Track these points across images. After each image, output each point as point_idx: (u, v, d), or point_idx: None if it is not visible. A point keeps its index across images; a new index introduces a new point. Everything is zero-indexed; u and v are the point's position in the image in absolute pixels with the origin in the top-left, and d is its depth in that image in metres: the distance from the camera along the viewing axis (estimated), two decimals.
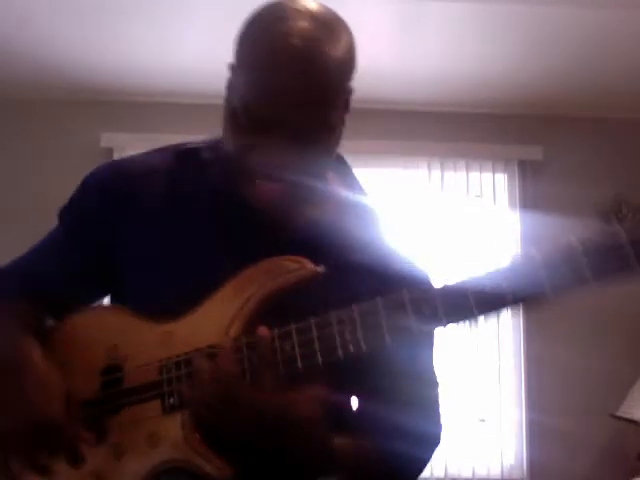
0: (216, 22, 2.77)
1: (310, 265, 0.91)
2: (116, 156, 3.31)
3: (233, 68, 0.97)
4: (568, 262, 0.80)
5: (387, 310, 0.86)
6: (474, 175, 3.50)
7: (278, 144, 0.90)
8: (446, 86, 3.28)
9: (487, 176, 3.51)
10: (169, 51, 3.00)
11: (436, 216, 3.40)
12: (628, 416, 2.91)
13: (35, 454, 0.92)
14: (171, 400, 0.91)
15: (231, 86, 0.97)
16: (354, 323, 0.86)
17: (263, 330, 0.87)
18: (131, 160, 1.12)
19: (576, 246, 0.81)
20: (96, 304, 1.11)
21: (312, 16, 0.91)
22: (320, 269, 0.91)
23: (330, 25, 0.93)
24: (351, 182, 1.14)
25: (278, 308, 0.92)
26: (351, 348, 0.86)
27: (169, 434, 0.90)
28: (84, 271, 1.06)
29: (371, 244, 1.06)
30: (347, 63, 0.95)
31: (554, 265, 0.81)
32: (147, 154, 1.12)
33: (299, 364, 0.87)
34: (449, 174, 3.48)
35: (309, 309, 0.88)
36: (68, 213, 1.11)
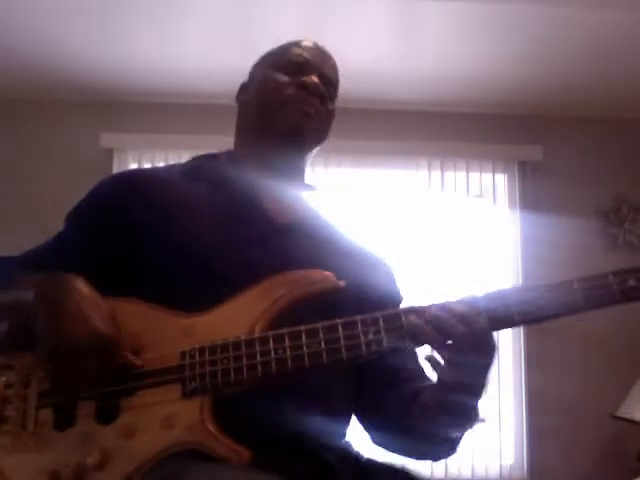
0: (216, 23, 2.77)
1: (333, 279, 0.99)
2: (116, 157, 3.31)
3: (251, 76, 1.26)
4: (564, 286, 0.95)
5: (407, 316, 0.94)
6: (474, 175, 3.50)
7: (314, 81, 1.17)
8: (446, 86, 3.28)
9: (487, 176, 3.51)
10: (169, 51, 3.00)
11: (436, 216, 3.40)
12: (628, 416, 2.91)
13: (91, 372, 0.92)
14: (193, 384, 0.92)
15: (253, 80, 1.25)
16: (378, 325, 0.94)
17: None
18: (139, 168, 1.22)
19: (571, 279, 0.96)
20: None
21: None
22: (342, 283, 0.98)
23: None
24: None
25: (299, 314, 0.97)
26: (374, 347, 0.93)
27: (186, 417, 0.91)
28: (95, 262, 1.07)
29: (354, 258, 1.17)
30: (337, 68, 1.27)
31: (553, 290, 0.95)
32: (157, 167, 1.23)
33: (324, 359, 0.92)
34: (449, 174, 3.48)
35: (327, 315, 0.95)
36: (79, 212, 1.13)
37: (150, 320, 0.99)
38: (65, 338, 0.91)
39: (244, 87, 1.27)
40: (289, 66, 1.19)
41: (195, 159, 1.23)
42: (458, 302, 0.95)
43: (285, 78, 1.18)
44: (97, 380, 0.93)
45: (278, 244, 1.08)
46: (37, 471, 0.93)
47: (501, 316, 0.93)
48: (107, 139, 3.31)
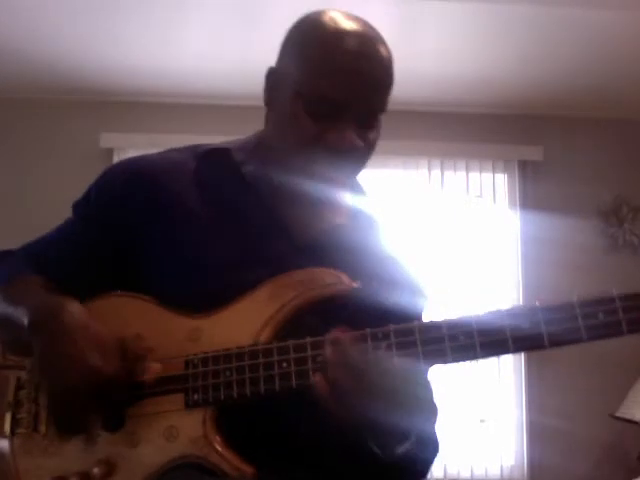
0: (216, 22, 2.77)
1: (347, 280, 0.92)
2: (116, 157, 3.32)
3: (281, 70, 1.03)
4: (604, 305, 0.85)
5: (423, 333, 0.86)
6: (474, 175, 3.50)
7: (346, 129, 0.96)
8: (446, 86, 3.28)
9: (487, 176, 3.51)
10: (169, 51, 3.00)
11: (436, 216, 3.41)
12: (628, 416, 2.91)
13: (92, 413, 0.89)
14: (195, 396, 0.90)
15: (281, 86, 1.01)
16: (389, 340, 0.87)
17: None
18: (151, 156, 1.09)
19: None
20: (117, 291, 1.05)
21: (359, 21, 1.04)
22: (356, 285, 0.92)
23: (375, 29, 1.07)
24: (355, 183, 1.14)
25: (308, 318, 0.92)
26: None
27: (189, 429, 0.89)
28: (99, 256, 1.03)
29: (379, 255, 1.08)
30: (392, 61, 1.07)
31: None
32: (165, 152, 1.10)
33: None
34: (449, 174, 3.48)
35: (338, 321, 0.89)
36: (86, 202, 1.08)
37: (155, 320, 0.96)
38: (64, 384, 0.87)
39: (271, 85, 1.04)
40: (321, 105, 0.96)
41: (218, 149, 1.07)
42: (451, 325, 0.86)
43: (313, 129, 0.96)
44: (105, 419, 0.91)
45: (296, 266, 0.96)
46: (46, 476, 0.92)
47: (529, 337, 0.86)
48: (107, 139, 3.32)
